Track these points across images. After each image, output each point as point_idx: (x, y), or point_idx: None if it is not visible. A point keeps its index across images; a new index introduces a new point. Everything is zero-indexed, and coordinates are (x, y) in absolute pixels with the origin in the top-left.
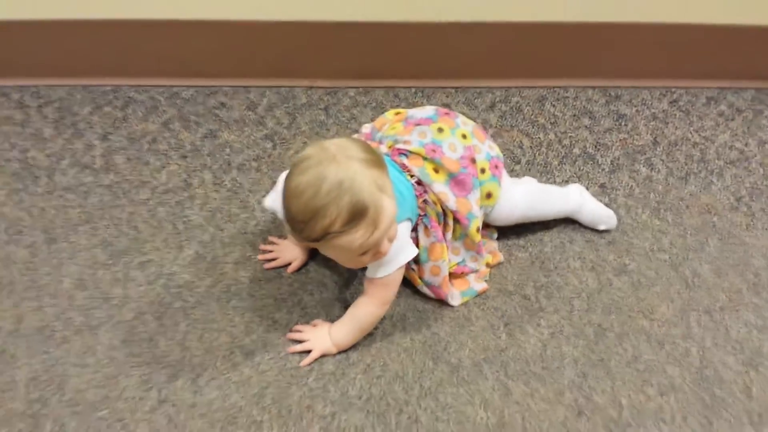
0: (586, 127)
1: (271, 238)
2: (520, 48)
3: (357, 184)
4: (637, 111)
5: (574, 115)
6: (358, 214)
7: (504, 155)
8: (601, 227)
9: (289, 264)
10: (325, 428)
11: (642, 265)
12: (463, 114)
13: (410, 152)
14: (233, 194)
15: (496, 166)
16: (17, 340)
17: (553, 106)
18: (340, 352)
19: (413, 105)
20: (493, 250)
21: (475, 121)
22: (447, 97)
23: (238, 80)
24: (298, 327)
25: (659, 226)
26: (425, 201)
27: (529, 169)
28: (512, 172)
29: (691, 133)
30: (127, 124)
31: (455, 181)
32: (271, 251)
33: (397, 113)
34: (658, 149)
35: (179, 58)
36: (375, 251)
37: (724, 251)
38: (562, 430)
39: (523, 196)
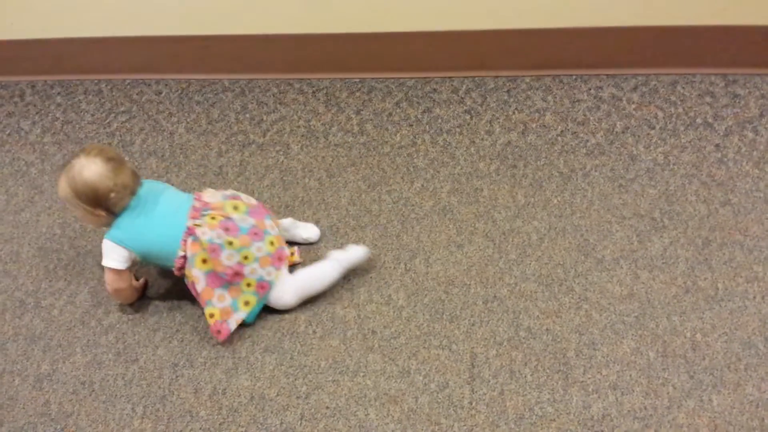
0: (707, 103)
1: None
2: (661, 43)
3: (75, 182)
4: (749, 92)
5: (699, 95)
6: (73, 195)
7: (642, 124)
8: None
9: None
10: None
11: (741, 199)
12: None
13: (199, 239)
14: (444, 150)
15: (262, 287)
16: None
17: (683, 88)
18: None
19: (579, 92)
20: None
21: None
22: (600, 82)
23: (445, 73)
24: None
25: (757, 174)
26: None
27: (662, 135)
28: (648, 136)
29: None
30: (371, 104)
31: (213, 274)
32: None
33: (235, 207)
34: (763, 119)
35: (405, 57)
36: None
37: None
38: (673, 301)
39: (293, 289)
